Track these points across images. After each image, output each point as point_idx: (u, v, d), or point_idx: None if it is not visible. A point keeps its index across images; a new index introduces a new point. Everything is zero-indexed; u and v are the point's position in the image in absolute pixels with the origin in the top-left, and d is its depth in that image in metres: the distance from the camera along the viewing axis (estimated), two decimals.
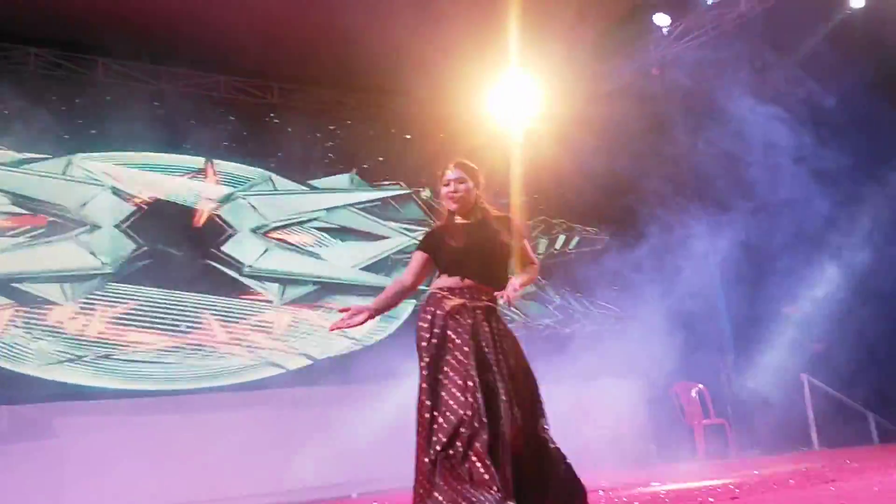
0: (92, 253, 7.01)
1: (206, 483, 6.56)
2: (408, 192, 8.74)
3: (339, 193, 8.45)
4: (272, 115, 8.33)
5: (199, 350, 7.26)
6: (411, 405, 3.20)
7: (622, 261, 8.80)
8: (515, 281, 3.45)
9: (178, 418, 6.78)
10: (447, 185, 3.57)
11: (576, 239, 9.61)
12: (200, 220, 7.65)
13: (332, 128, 8.60)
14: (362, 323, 3.35)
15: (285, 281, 7.87)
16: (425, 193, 8.83)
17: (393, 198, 8.67)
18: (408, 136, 8.94)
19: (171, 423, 6.72)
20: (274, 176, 8.15)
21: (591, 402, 8.11)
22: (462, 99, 8.61)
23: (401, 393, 5.92)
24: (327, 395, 7.41)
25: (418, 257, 3.52)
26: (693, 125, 9.08)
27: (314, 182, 8.35)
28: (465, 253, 3.43)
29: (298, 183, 8.28)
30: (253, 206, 7.94)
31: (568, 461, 3.18)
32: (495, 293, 3.39)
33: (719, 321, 9.15)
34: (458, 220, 3.58)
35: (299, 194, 8.26)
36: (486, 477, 2.95)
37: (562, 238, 9.57)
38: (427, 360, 3.24)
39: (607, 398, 8.23)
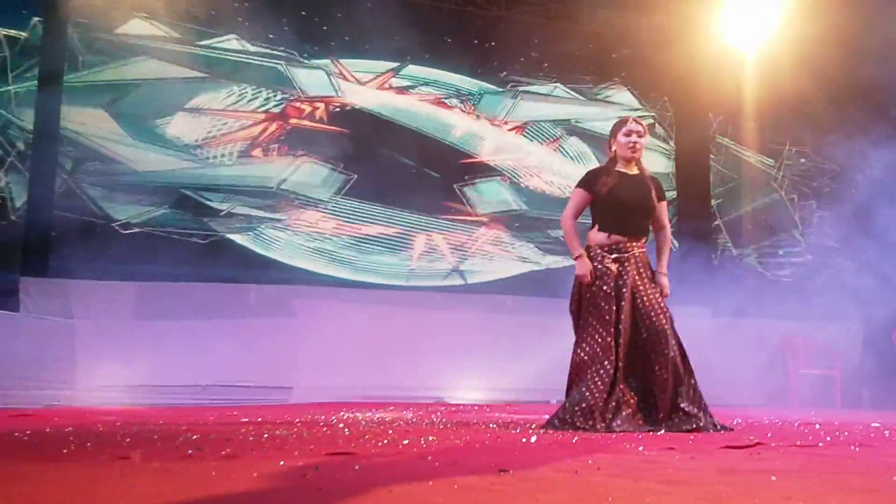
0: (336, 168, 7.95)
1: (415, 375, 7.46)
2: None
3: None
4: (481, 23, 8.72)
5: (424, 255, 8.11)
6: None
7: (853, 193, 8.53)
8: (664, 280, 4.20)
9: (398, 311, 7.67)
10: (629, 134, 4.19)
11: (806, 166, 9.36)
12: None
13: (539, 36, 8.87)
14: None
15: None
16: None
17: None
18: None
19: (390, 314, 7.61)
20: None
21: (801, 343, 8.16)
22: (690, 14, 8.53)
23: None
24: (541, 305, 8.02)
25: (579, 194, 4.21)
26: None
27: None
28: (620, 201, 4.14)
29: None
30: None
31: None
32: (636, 243, 4.13)
33: None
34: (620, 168, 4.15)
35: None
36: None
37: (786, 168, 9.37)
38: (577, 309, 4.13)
39: (820, 340, 8.21)
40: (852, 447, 3.21)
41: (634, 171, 4.25)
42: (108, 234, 7.17)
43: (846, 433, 3.98)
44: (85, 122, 7.25)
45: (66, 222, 7.01)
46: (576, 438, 3.42)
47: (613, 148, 4.26)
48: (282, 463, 2.36)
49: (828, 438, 3.59)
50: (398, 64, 8.36)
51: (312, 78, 8.04)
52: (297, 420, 4.46)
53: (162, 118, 7.51)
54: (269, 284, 7.49)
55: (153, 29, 7.52)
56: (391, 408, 6.00)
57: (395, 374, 7.47)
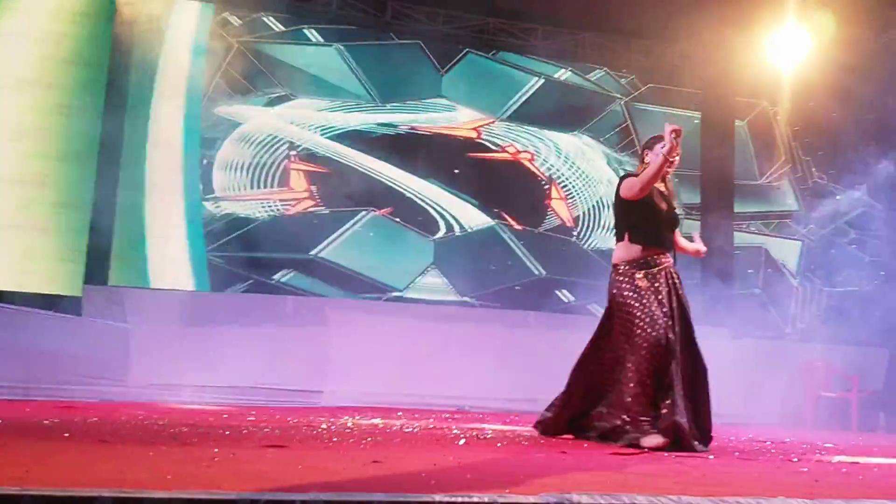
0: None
1: (438, 384, 8.10)
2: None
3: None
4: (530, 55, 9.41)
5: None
6: None
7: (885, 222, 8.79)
8: (701, 245, 4.73)
9: (424, 323, 8.38)
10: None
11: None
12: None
13: (597, 72, 9.48)
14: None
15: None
16: None
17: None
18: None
19: (416, 326, 8.32)
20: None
21: (820, 366, 8.49)
22: (723, 43, 8.95)
23: None
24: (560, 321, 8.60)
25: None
26: None
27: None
28: (657, 212, 4.44)
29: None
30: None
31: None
32: (666, 256, 4.43)
33: None
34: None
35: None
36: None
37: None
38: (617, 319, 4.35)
39: (841, 364, 8.52)
40: (740, 459, 3.74)
41: (662, 187, 4.55)
42: (162, 249, 8.12)
43: (773, 450, 4.46)
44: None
45: (125, 236, 7.98)
46: (500, 444, 4.04)
47: (646, 161, 4.49)
48: (216, 450, 3.09)
49: (737, 453, 4.10)
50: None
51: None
52: (294, 420, 5.20)
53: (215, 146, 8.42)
54: (306, 296, 8.32)
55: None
56: (399, 413, 6.69)
57: (419, 382, 8.13)
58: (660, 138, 4.48)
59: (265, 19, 8.69)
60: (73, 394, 7.01)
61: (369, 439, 3.93)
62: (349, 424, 4.99)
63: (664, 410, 4.10)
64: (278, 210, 8.47)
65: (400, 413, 6.72)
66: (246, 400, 7.57)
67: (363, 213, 8.66)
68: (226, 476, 2.35)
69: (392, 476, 2.54)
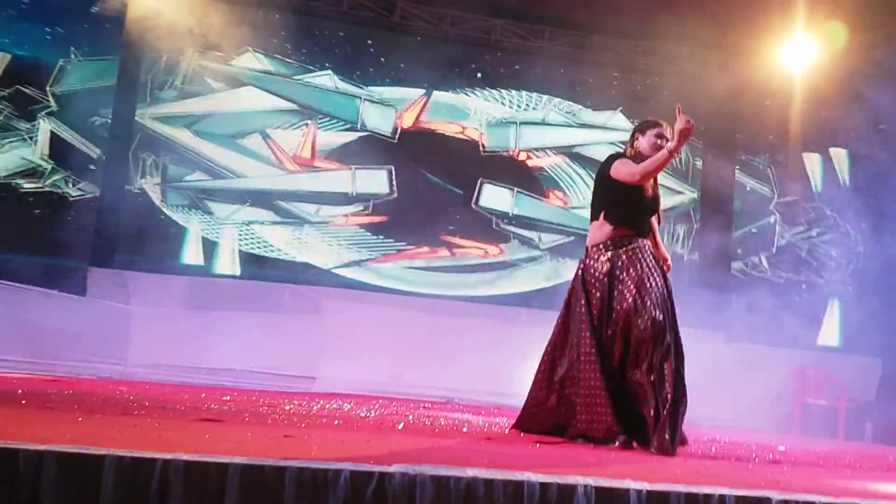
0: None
1: (426, 375, 8.36)
2: None
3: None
4: (539, 57, 9.58)
5: (446, 266, 9.08)
6: None
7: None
8: (667, 255, 4.56)
9: (418, 316, 8.64)
10: (660, 137, 4.25)
11: None
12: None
13: (615, 74, 9.67)
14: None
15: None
16: None
17: None
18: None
19: (411, 318, 8.58)
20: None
21: (811, 374, 8.56)
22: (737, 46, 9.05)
23: None
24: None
25: (629, 161, 4.36)
26: None
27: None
28: (642, 195, 4.31)
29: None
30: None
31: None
32: (644, 238, 4.34)
33: None
34: None
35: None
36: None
37: None
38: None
39: (832, 373, 8.58)
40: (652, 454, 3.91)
41: None
42: (166, 234, 8.47)
43: (714, 449, 4.61)
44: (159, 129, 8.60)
45: (132, 221, 8.33)
46: (437, 430, 4.26)
47: (636, 145, 4.35)
48: (148, 421, 3.36)
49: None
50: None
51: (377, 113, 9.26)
52: (264, 401, 5.47)
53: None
54: (302, 285, 8.61)
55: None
56: (378, 401, 6.93)
57: (411, 373, 8.39)
58: (654, 123, 4.34)
59: (254, 54, 8.95)
60: (72, 370, 7.34)
61: (314, 420, 4.18)
62: (312, 408, 5.25)
63: (616, 407, 4.05)
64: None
65: (379, 401, 6.96)
66: (239, 383, 7.86)
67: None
68: (128, 440, 2.60)
69: (287, 450, 2.77)
